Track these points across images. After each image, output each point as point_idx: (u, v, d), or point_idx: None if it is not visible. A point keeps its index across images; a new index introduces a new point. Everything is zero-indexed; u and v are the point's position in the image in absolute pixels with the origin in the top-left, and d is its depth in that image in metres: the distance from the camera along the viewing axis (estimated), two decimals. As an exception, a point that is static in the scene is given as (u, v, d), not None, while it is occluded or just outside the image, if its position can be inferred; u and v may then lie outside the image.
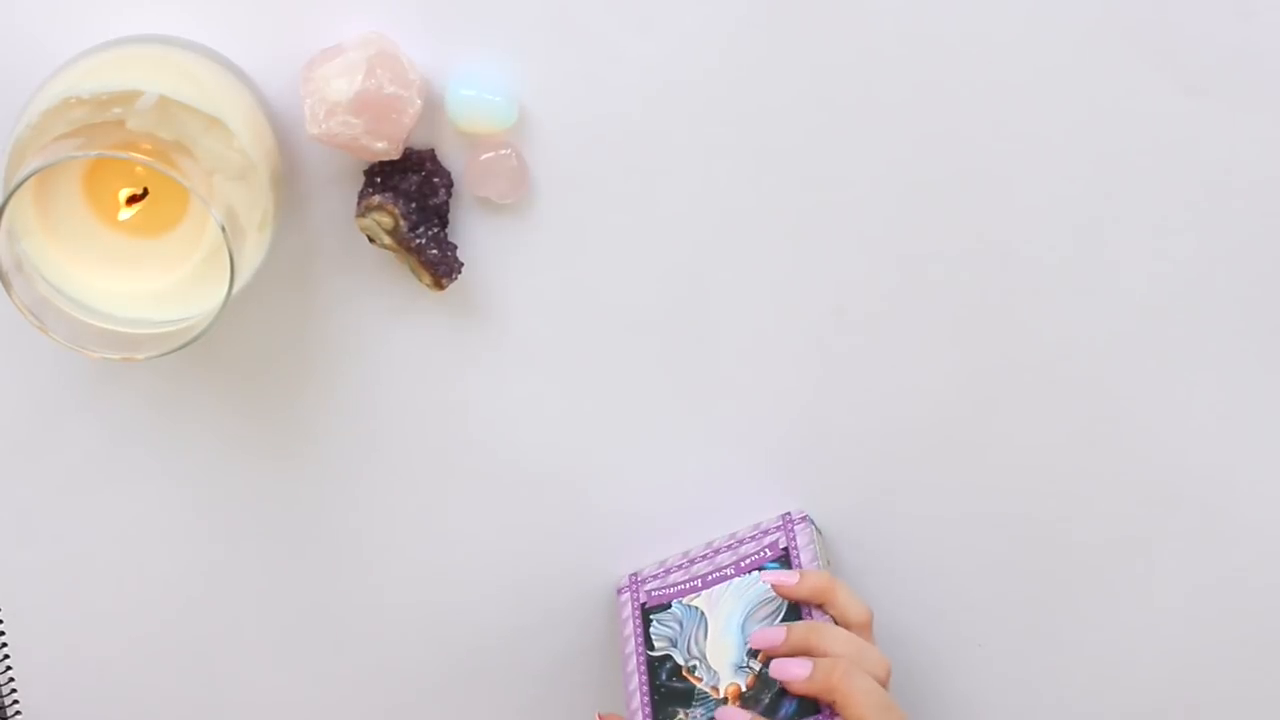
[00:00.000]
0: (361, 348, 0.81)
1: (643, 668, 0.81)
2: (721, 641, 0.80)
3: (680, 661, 0.80)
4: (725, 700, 0.78)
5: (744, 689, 0.78)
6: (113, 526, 0.84)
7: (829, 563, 0.83)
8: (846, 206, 0.80)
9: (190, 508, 0.84)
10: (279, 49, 0.75)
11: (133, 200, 0.73)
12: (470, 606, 0.87)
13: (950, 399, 0.83)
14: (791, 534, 0.82)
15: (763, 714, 0.76)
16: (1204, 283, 0.82)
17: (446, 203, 0.78)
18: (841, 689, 0.74)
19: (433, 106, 0.77)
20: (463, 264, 0.78)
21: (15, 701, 0.87)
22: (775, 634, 0.78)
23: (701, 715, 0.78)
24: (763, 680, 0.77)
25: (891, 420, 0.84)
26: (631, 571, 0.85)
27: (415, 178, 0.77)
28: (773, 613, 0.79)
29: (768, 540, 0.82)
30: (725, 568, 0.82)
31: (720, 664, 0.79)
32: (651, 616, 0.83)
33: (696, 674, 0.80)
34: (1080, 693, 0.89)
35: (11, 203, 0.68)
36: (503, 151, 0.77)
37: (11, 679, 0.87)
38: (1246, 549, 0.86)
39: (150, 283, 0.74)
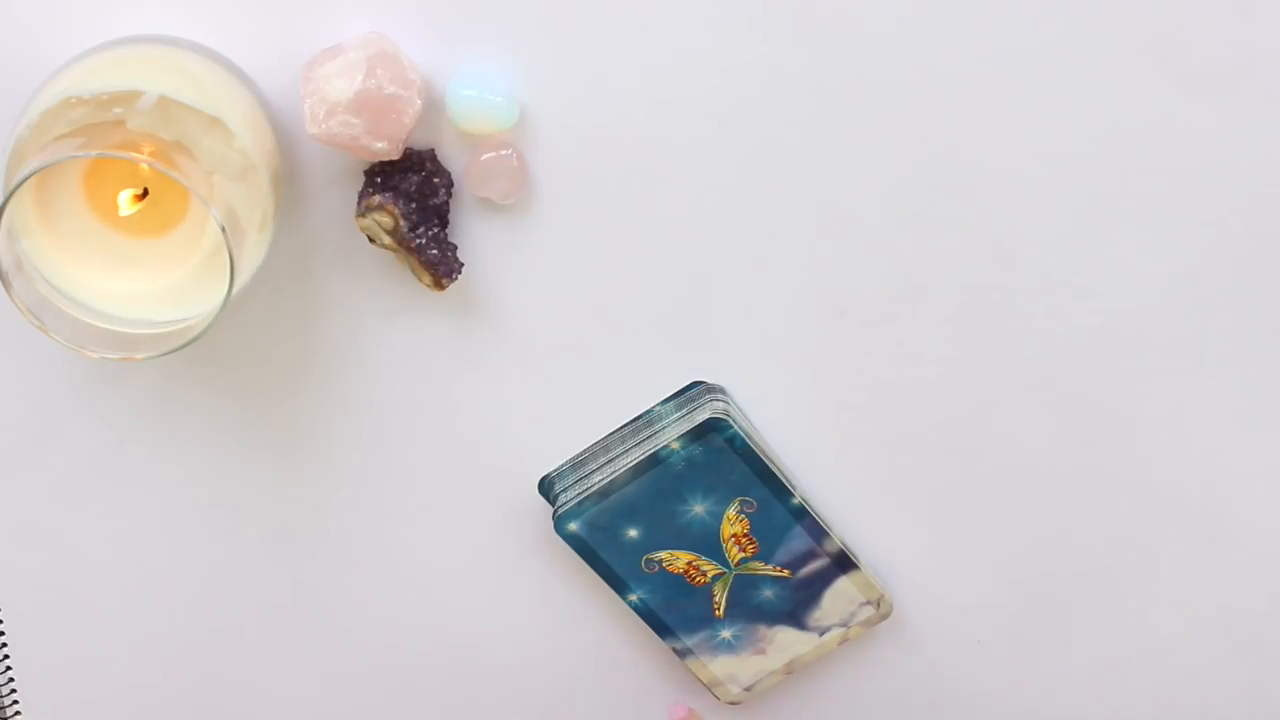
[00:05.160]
0: (361, 348, 0.81)
1: None
2: None
3: None
4: None
5: None
6: (113, 526, 0.84)
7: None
8: (848, 207, 0.80)
9: (190, 507, 0.84)
10: (279, 49, 0.75)
11: (133, 201, 0.73)
12: (470, 606, 0.87)
13: (951, 399, 0.83)
14: None
15: None
16: (1204, 282, 0.82)
17: (447, 203, 0.78)
18: None
19: (433, 106, 0.77)
20: (463, 264, 0.78)
21: (15, 701, 0.87)
22: None
23: None
24: None
25: (892, 421, 0.84)
26: None
27: (415, 178, 0.77)
28: None
29: None
30: None
31: None
32: None
33: None
34: (1080, 692, 0.89)
35: (11, 203, 0.68)
36: (503, 152, 0.77)
37: (11, 679, 0.87)
38: (1246, 549, 0.86)
39: (150, 283, 0.74)
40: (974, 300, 0.82)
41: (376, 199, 0.76)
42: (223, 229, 0.68)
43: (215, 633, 0.87)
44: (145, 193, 0.73)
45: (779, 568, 0.84)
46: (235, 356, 0.81)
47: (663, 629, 0.85)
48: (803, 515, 0.82)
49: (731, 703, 0.88)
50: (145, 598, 0.86)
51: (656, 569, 0.83)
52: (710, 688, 0.87)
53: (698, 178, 0.79)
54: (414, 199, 0.77)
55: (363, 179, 0.78)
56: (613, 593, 0.85)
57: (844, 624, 0.86)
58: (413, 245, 0.77)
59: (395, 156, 0.76)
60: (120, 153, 0.69)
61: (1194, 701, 0.89)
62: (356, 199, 0.77)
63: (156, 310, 0.73)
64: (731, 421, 0.80)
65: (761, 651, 0.86)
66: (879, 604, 0.86)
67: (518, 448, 0.83)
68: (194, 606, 0.86)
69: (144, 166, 0.72)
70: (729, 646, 0.86)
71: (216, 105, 0.70)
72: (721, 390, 0.82)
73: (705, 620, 0.85)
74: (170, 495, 0.84)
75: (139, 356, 0.71)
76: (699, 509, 0.82)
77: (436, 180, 0.77)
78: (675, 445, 0.80)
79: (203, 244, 0.73)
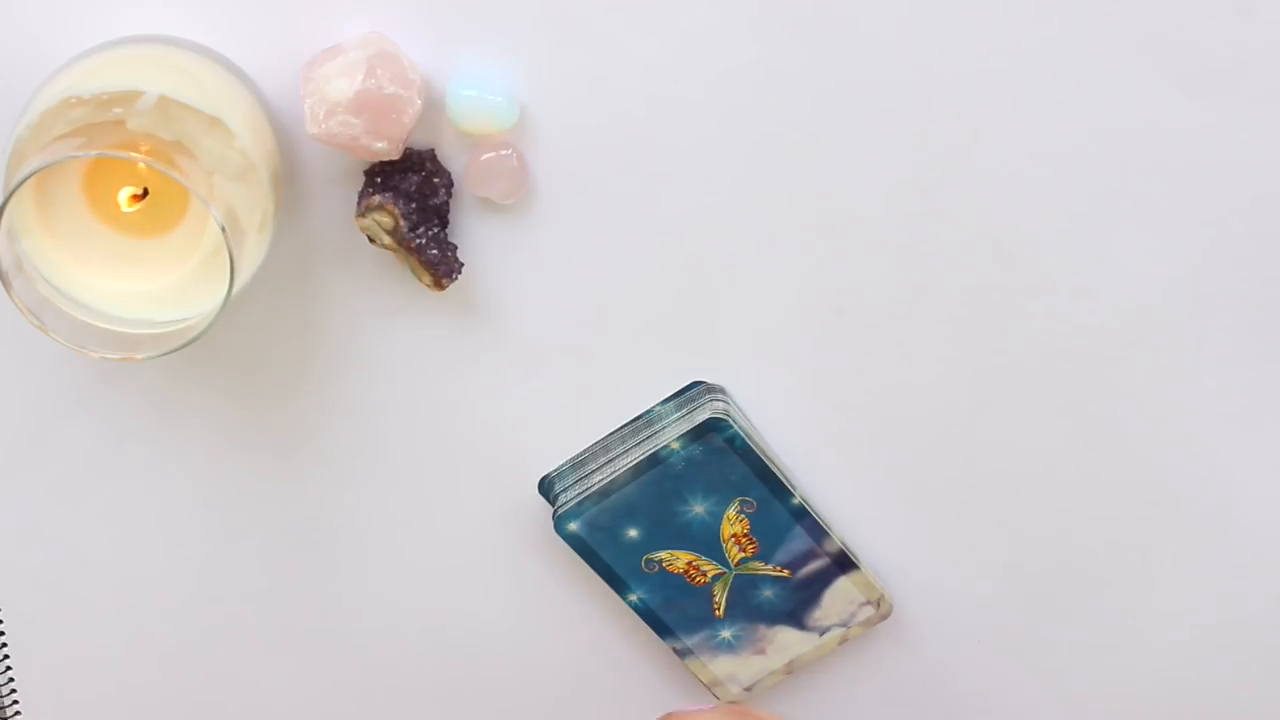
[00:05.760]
0: (361, 348, 0.81)
1: None
2: None
3: None
4: None
5: None
6: (113, 526, 0.84)
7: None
8: (848, 207, 0.80)
9: (190, 507, 0.84)
10: (279, 49, 0.75)
11: (133, 200, 0.73)
12: (470, 606, 0.87)
13: (951, 399, 0.83)
14: None
15: None
16: (1204, 282, 0.82)
17: (447, 203, 0.78)
18: None
19: (433, 106, 0.77)
20: (463, 264, 0.78)
21: (15, 701, 0.87)
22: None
23: None
24: None
25: (892, 421, 0.84)
26: None
27: (415, 178, 0.77)
28: None
29: None
30: None
31: None
32: None
33: None
34: (1080, 692, 0.89)
35: (11, 203, 0.68)
36: (503, 152, 0.77)
37: (11, 679, 0.87)
38: (1246, 549, 0.86)
39: (150, 283, 0.74)
40: (974, 300, 0.82)
41: (376, 199, 0.76)
42: (223, 229, 0.68)
43: (215, 632, 0.87)
44: (145, 193, 0.73)
45: (779, 568, 0.84)
46: (235, 356, 0.81)
47: (663, 629, 0.85)
48: (803, 515, 0.82)
49: (731, 702, 0.88)
50: (145, 597, 0.86)
51: (656, 569, 0.83)
52: (710, 688, 0.87)
53: (698, 178, 0.79)
54: (414, 199, 0.77)
55: (363, 179, 0.78)
56: (613, 592, 0.85)
57: (844, 624, 0.86)
58: (413, 245, 0.77)
59: (395, 156, 0.76)
60: (120, 153, 0.69)
61: (1194, 702, 0.89)
62: (356, 199, 0.77)
63: (156, 310, 0.73)
64: (731, 421, 0.80)
65: (761, 651, 0.86)
66: (879, 604, 0.86)
67: (518, 448, 0.83)
68: (193, 606, 0.86)
69: (144, 166, 0.72)
70: (729, 646, 0.86)
71: (216, 105, 0.70)
72: (721, 390, 0.82)
73: (705, 620, 0.85)
74: (170, 495, 0.84)
75: (139, 356, 0.71)
76: (699, 509, 0.82)
77: (436, 180, 0.77)
78: (675, 445, 0.80)
79: (203, 244, 0.73)
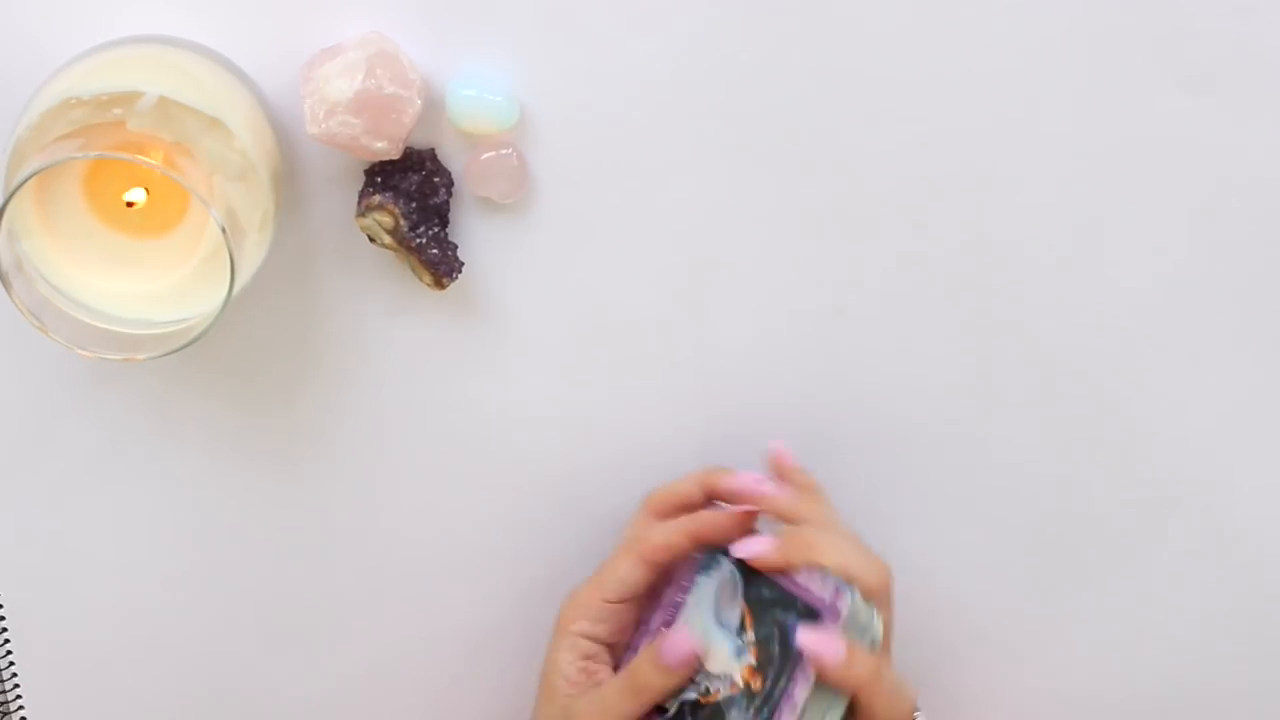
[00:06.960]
0: (362, 347, 0.81)
1: None
2: (711, 647, 0.78)
3: (694, 695, 0.78)
4: (746, 686, 0.76)
5: (754, 664, 0.76)
6: (112, 526, 0.84)
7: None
8: (847, 205, 0.80)
9: (190, 508, 0.84)
10: (279, 49, 0.75)
11: (133, 202, 0.73)
12: (469, 606, 0.87)
13: (951, 398, 0.83)
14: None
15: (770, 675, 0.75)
16: (1204, 281, 0.82)
17: (447, 202, 0.78)
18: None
19: (433, 106, 0.77)
20: (463, 263, 0.78)
21: (19, 699, 0.87)
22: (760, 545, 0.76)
23: (739, 715, 0.76)
24: (762, 644, 0.76)
25: (892, 419, 0.84)
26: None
27: (415, 177, 0.77)
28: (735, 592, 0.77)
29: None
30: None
31: (721, 664, 0.77)
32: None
33: (711, 692, 0.78)
34: (1080, 691, 0.90)
35: (12, 203, 0.68)
36: (503, 151, 0.77)
37: (15, 675, 0.87)
38: (1246, 549, 0.86)
39: (150, 283, 0.74)
40: (974, 299, 0.82)
41: (376, 199, 0.76)
42: (223, 229, 0.68)
43: (215, 631, 0.87)
44: (145, 193, 0.73)
45: None
46: (235, 357, 0.81)
47: None
48: None
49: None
50: (146, 597, 0.86)
51: None
52: None
53: (697, 177, 0.79)
54: (414, 198, 0.77)
55: (363, 179, 0.78)
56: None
57: None
58: (413, 245, 0.77)
59: (395, 156, 0.76)
60: (120, 154, 0.69)
61: (1194, 701, 0.90)
62: (356, 199, 0.77)
63: (156, 310, 0.73)
64: None
65: None
66: None
67: (518, 448, 0.84)
68: (194, 605, 0.86)
69: (144, 167, 0.72)
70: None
71: (216, 105, 0.70)
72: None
73: None
74: (170, 495, 0.84)
75: (140, 357, 0.71)
76: None
77: (436, 180, 0.77)
78: None
79: (203, 244, 0.73)
